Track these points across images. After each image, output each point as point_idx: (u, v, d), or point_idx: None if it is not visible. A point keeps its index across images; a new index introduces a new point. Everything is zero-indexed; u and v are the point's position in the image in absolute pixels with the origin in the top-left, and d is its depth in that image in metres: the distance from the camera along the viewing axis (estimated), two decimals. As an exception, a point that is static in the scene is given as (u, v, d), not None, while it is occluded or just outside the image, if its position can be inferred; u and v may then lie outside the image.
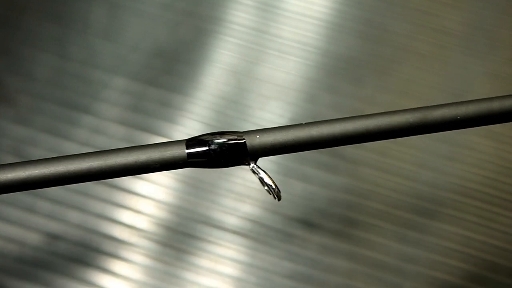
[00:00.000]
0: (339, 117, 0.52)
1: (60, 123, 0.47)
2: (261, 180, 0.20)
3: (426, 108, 0.21)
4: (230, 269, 0.44)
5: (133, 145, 0.47)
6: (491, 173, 0.48)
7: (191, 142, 0.19)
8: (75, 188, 0.45)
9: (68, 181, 0.19)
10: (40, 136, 0.46)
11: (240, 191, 0.46)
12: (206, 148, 0.19)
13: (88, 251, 0.43)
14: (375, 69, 0.52)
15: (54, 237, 0.43)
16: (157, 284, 0.43)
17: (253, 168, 0.20)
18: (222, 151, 0.19)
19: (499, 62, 0.53)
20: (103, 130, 0.47)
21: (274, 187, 0.20)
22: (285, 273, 0.44)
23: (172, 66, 0.50)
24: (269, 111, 0.49)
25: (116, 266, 0.43)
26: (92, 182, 0.46)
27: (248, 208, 0.45)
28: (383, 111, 0.21)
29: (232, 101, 0.49)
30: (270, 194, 0.20)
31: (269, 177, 0.20)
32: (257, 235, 0.45)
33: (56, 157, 0.19)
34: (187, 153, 0.19)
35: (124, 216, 0.44)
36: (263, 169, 0.20)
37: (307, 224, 0.45)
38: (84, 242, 0.43)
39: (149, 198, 0.45)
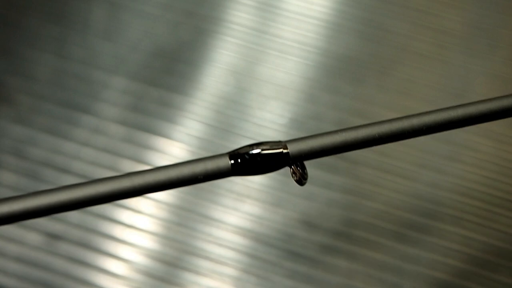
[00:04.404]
0: (339, 116, 0.52)
1: (60, 123, 0.47)
2: (300, 177, 0.22)
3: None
4: (230, 269, 0.44)
5: (133, 145, 0.47)
6: (491, 173, 0.48)
7: (234, 154, 0.22)
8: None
9: (126, 196, 0.21)
10: (40, 136, 0.46)
11: (240, 191, 0.46)
12: (247, 158, 0.21)
13: (88, 251, 0.43)
14: (375, 69, 0.52)
15: (54, 237, 0.43)
16: (157, 284, 0.43)
17: (293, 169, 0.22)
18: (263, 161, 0.21)
19: (499, 62, 0.53)
20: (103, 130, 0.47)
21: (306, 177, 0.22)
22: (285, 273, 0.44)
23: (172, 66, 0.50)
24: (269, 111, 0.49)
25: (116, 266, 0.43)
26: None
27: (248, 208, 0.45)
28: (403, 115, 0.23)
29: (232, 101, 0.49)
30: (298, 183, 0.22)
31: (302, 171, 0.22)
32: (257, 235, 0.45)
33: (110, 177, 0.21)
34: (231, 163, 0.21)
35: (124, 216, 0.44)
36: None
37: (307, 224, 0.45)
38: (84, 242, 0.43)
39: (149, 198, 0.45)
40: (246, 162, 0.21)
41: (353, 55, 0.53)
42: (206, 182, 0.21)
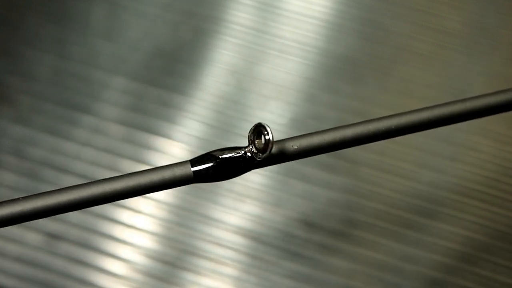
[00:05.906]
0: (339, 116, 0.52)
1: (60, 123, 0.47)
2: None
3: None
4: (230, 269, 0.44)
5: (133, 145, 0.47)
6: (491, 173, 0.48)
7: (195, 160, 0.21)
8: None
9: (97, 203, 0.21)
10: (40, 136, 0.46)
11: (240, 191, 0.46)
12: (211, 164, 0.21)
13: (88, 251, 0.43)
14: (375, 69, 0.52)
15: (54, 237, 0.43)
16: (157, 284, 0.43)
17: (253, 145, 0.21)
18: (226, 165, 0.21)
19: (499, 62, 0.53)
20: (103, 130, 0.47)
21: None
22: (285, 273, 0.44)
23: (172, 66, 0.50)
24: (269, 111, 0.49)
25: (116, 266, 0.43)
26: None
27: (248, 208, 0.45)
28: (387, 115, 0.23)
29: (232, 101, 0.49)
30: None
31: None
32: (257, 235, 0.45)
33: (84, 183, 0.21)
34: (193, 171, 0.21)
35: (124, 216, 0.44)
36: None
37: (307, 224, 0.45)
38: (84, 242, 0.43)
39: (149, 198, 0.45)
40: (207, 169, 0.21)
41: (353, 55, 0.53)
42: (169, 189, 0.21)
